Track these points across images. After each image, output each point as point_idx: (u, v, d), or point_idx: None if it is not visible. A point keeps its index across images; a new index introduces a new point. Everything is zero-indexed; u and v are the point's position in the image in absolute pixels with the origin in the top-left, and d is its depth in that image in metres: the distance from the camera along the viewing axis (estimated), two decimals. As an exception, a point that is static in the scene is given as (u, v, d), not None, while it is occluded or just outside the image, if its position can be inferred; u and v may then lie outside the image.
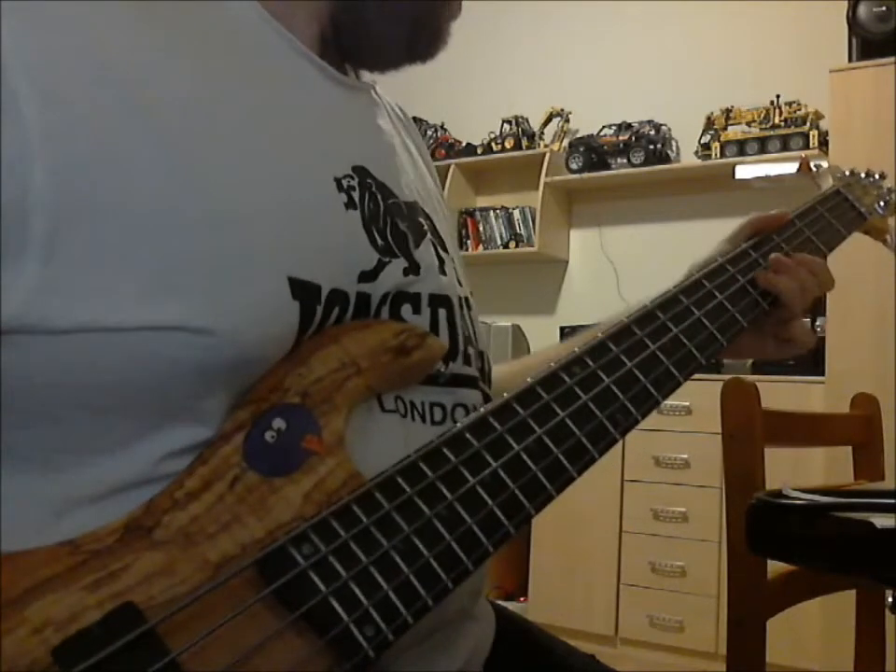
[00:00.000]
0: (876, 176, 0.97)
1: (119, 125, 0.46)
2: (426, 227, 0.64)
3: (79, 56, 0.46)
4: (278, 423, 0.48)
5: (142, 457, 0.47)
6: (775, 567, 1.07)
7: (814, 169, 0.98)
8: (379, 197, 0.60)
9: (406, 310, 0.59)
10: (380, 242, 0.58)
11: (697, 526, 2.91)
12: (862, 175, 0.97)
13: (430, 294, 0.61)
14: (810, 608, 1.37)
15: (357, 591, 0.45)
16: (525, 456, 0.52)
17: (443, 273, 0.64)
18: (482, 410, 0.54)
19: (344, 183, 0.57)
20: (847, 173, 0.96)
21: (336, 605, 0.44)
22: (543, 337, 3.54)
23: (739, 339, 0.70)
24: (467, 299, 0.66)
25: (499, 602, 0.73)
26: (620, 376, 0.59)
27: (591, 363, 0.58)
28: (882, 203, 0.95)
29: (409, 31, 0.63)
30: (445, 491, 0.49)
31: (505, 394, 0.55)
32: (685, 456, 2.97)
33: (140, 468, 0.47)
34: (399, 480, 0.49)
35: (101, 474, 0.46)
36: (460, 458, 0.51)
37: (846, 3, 2.84)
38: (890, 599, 1.30)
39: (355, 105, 0.64)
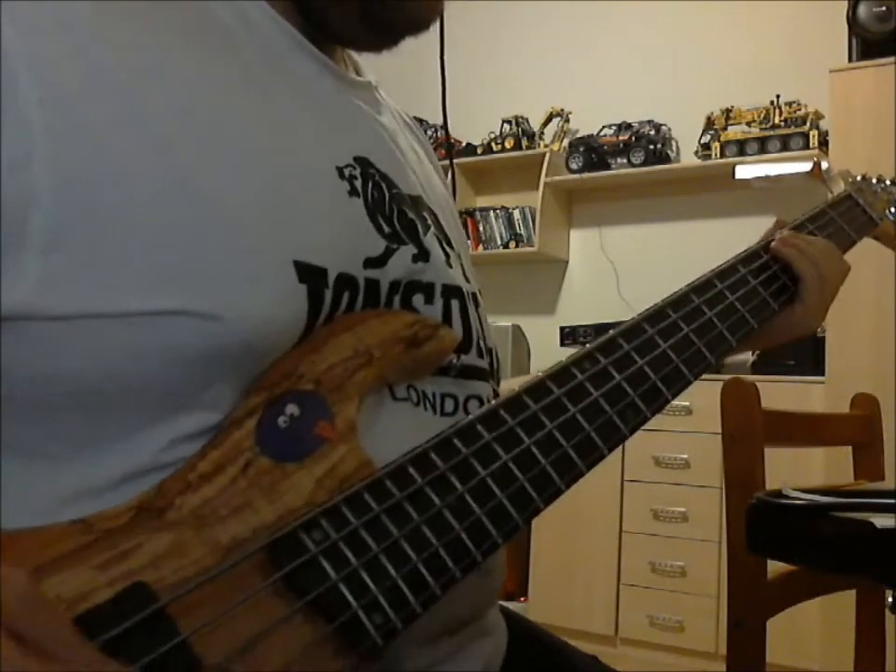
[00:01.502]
0: (887, 182, 0.98)
1: (117, 127, 0.46)
2: (430, 221, 0.64)
3: (79, 58, 0.46)
4: (291, 409, 0.49)
5: (151, 445, 0.47)
6: (775, 566, 1.07)
7: (825, 173, 0.98)
8: (383, 186, 0.60)
9: (418, 299, 0.59)
10: (387, 229, 0.58)
11: (697, 526, 2.91)
12: (874, 181, 0.97)
13: (444, 284, 0.61)
14: (810, 608, 1.37)
15: (367, 578, 0.45)
16: (535, 450, 0.53)
17: (449, 266, 0.64)
18: (493, 402, 0.54)
19: (346, 172, 0.57)
20: (859, 178, 0.96)
21: (345, 591, 0.45)
22: (543, 337, 3.54)
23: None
24: (474, 295, 0.67)
25: (500, 602, 0.73)
26: (630, 373, 0.59)
27: (602, 359, 0.59)
28: (893, 209, 0.96)
29: (362, 24, 0.61)
30: (455, 481, 0.49)
31: (516, 387, 0.55)
32: (685, 456, 2.97)
33: (149, 455, 0.47)
34: (410, 469, 0.49)
35: (110, 463, 0.47)
36: (471, 450, 0.51)
37: (846, 3, 2.84)
38: (890, 599, 1.31)
39: (357, 100, 0.64)
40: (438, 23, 0.68)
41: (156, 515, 0.44)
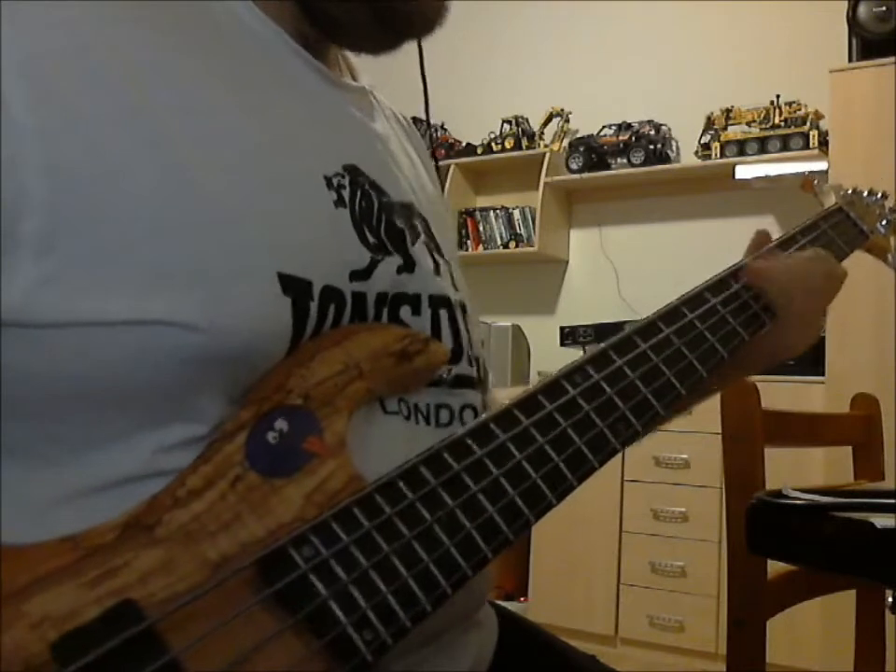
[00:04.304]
0: (879, 196, 0.98)
1: (112, 127, 0.46)
2: (420, 229, 0.64)
3: (73, 57, 0.46)
4: (280, 424, 0.48)
5: (138, 452, 0.47)
6: (775, 566, 1.07)
7: (817, 187, 0.98)
8: (372, 195, 0.59)
9: (405, 311, 0.59)
10: (372, 240, 0.58)
11: (697, 526, 2.92)
12: (865, 194, 0.97)
13: (430, 295, 0.61)
14: (810, 608, 1.37)
15: (357, 594, 0.45)
16: (526, 464, 0.52)
17: (438, 275, 0.63)
18: (483, 416, 0.54)
19: (334, 181, 0.57)
20: (850, 191, 0.96)
21: (335, 608, 0.44)
22: (543, 337, 3.54)
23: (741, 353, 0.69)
24: (462, 304, 0.66)
25: (499, 602, 0.73)
26: (622, 387, 0.59)
27: (593, 373, 0.58)
28: (884, 223, 0.96)
29: (372, 23, 0.61)
30: (446, 497, 0.49)
31: (507, 401, 0.55)
32: (685, 456, 2.97)
33: (136, 463, 0.47)
34: (401, 484, 0.48)
35: (97, 468, 0.46)
36: (462, 465, 0.50)
37: (846, 3, 2.84)
38: (890, 599, 1.31)
39: (349, 105, 0.64)
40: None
41: (144, 532, 0.44)
